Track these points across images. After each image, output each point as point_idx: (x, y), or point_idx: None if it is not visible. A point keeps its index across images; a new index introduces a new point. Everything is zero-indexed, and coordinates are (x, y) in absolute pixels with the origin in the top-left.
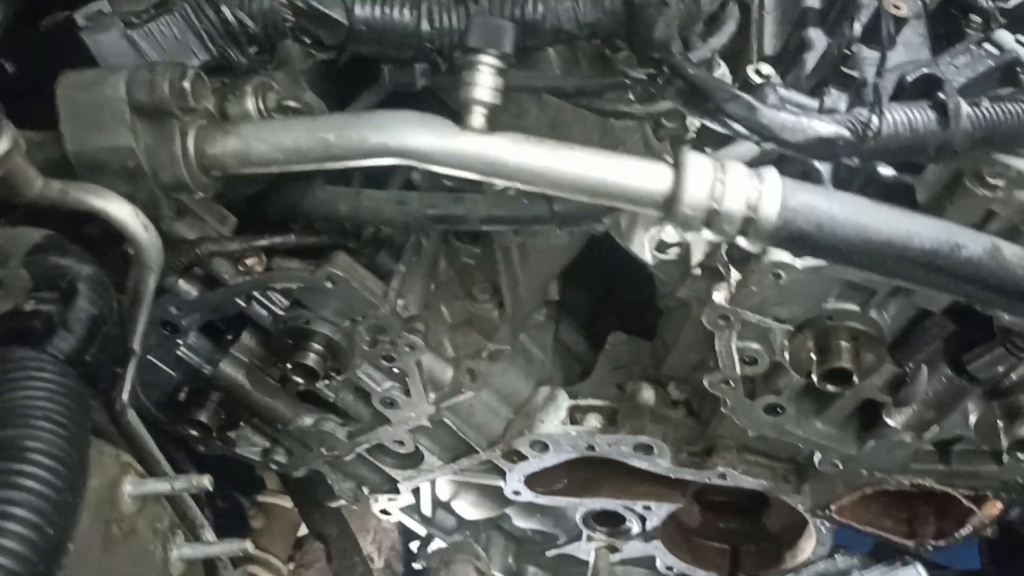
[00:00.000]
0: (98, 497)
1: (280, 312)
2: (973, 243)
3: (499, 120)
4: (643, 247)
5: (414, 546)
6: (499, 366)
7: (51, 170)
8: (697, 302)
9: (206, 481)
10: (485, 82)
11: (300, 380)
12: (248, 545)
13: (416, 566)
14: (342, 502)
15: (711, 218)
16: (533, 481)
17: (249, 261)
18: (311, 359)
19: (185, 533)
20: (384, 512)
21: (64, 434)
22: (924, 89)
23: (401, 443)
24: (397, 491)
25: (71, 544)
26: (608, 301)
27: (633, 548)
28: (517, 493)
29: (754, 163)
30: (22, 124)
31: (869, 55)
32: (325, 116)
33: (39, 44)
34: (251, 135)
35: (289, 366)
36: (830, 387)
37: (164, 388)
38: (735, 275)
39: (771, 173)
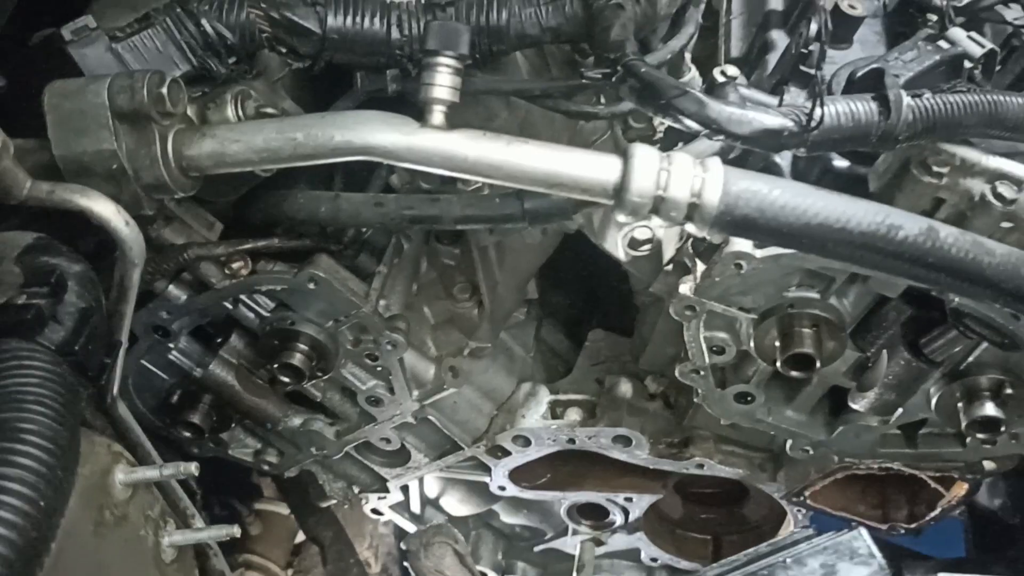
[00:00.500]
0: (90, 484)
1: (266, 314)
2: (909, 224)
3: (468, 122)
4: (616, 245)
5: None
6: (481, 364)
7: (40, 174)
8: (669, 297)
9: (193, 468)
10: (443, 81)
11: (287, 380)
12: (236, 531)
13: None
14: (334, 501)
15: (658, 205)
16: (517, 476)
17: (235, 265)
18: (297, 359)
19: (176, 521)
20: (375, 511)
21: (55, 417)
22: (872, 83)
23: (388, 440)
24: (387, 489)
25: (63, 520)
26: (590, 303)
27: (618, 541)
28: (502, 488)
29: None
30: (12, 135)
31: (828, 53)
32: (294, 117)
33: (28, 59)
34: (225, 136)
35: (276, 366)
36: (794, 372)
37: (157, 392)
38: (700, 267)
39: (714, 162)
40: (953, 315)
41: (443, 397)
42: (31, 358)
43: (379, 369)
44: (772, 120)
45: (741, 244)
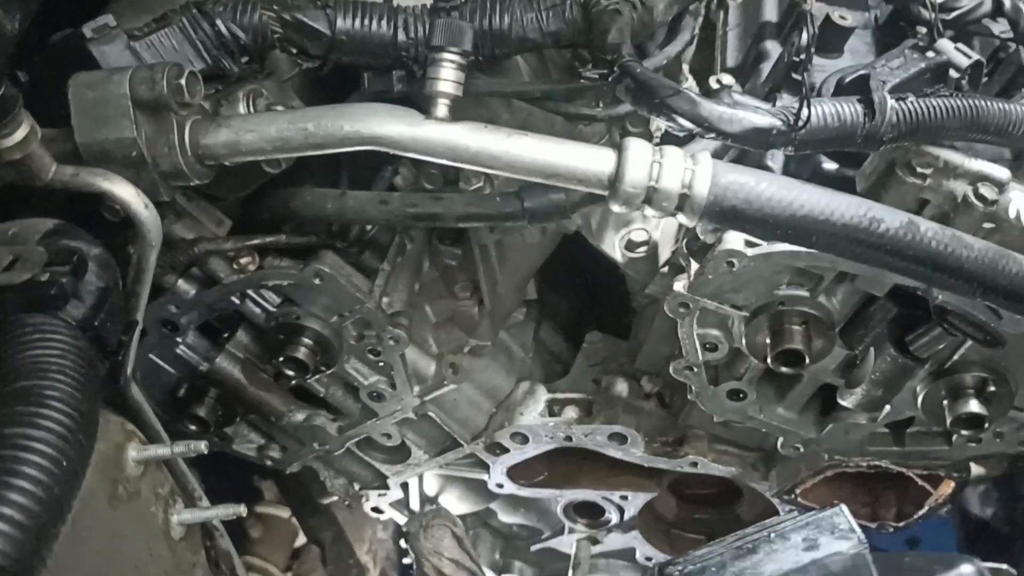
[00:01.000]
0: (104, 458)
1: (272, 309)
2: (890, 218)
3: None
4: (613, 246)
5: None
6: (481, 362)
7: (63, 161)
8: (665, 298)
9: (203, 446)
10: (447, 76)
11: (292, 373)
12: (242, 510)
13: None
14: (335, 498)
15: (650, 195)
16: (515, 473)
17: (243, 260)
18: (301, 352)
19: (184, 501)
20: (375, 509)
21: (77, 385)
22: (859, 88)
23: (388, 436)
24: (387, 486)
25: (83, 482)
26: (589, 306)
27: (614, 540)
28: (500, 486)
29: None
30: None
31: (819, 62)
32: (306, 109)
33: (50, 56)
34: (240, 126)
35: (281, 360)
36: (784, 369)
37: (165, 387)
38: (694, 266)
39: (704, 155)
40: (936, 312)
41: (443, 394)
42: (54, 331)
43: (381, 364)
44: (761, 119)
45: (733, 243)
